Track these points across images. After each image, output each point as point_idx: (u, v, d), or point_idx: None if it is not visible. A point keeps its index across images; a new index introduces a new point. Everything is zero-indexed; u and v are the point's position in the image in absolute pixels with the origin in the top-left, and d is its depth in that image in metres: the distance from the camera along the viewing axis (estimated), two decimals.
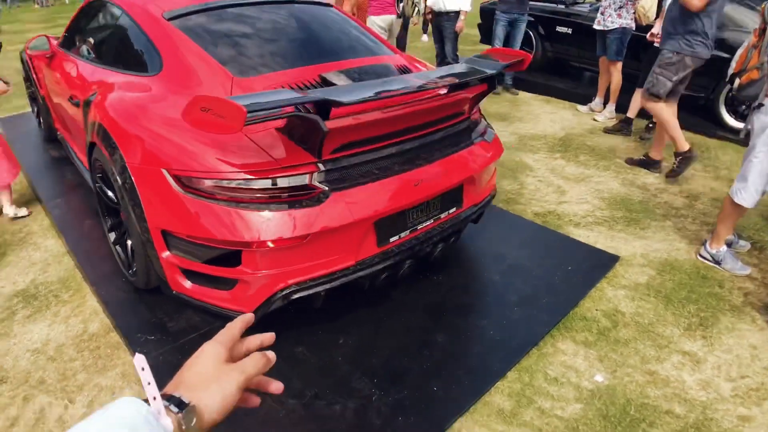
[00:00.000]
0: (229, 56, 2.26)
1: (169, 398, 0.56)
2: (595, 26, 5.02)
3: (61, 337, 2.35)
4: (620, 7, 4.80)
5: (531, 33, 6.29)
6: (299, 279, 1.96)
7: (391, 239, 2.15)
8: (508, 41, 5.70)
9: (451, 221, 2.40)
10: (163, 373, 2.02)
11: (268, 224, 1.83)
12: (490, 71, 2.19)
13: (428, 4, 5.77)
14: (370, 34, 2.86)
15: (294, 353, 2.21)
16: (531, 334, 2.36)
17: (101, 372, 2.16)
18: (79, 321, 2.44)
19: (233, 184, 1.86)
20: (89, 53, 2.97)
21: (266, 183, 1.86)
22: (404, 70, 2.52)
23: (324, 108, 1.73)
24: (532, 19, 6.05)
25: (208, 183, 1.88)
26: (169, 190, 1.94)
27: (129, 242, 2.41)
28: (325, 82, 2.18)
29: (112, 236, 2.66)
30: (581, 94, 5.70)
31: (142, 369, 0.56)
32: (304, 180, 1.90)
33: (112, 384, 2.10)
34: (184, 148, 1.93)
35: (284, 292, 1.96)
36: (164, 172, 1.95)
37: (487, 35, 6.43)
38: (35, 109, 4.67)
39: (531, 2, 5.77)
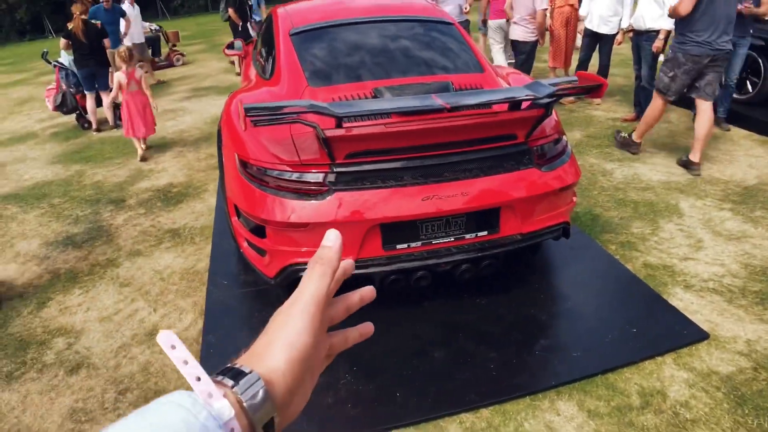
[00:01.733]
0: (315, 68, 2.73)
1: (223, 372, 0.43)
2: None
3: (177, 267, 3.21)
4: None
5: (760, 60, 5.18)
6: (303, 260, 2.34)
7: (399, 246, 2.34)
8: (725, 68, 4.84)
9: (480, 245, 2.44)
10: (214, 311, 2.68)
11: (279, 208, 2.25)
12: (533, 96, 2.17)
13: (630, 21, 5.33)
14: (472, 52, 2.99)
15: None
16: (533, 380, 2.25)
17: (183, 297, 2.91)
18: (194, 259, 3.28)
19: (266, 172, 2.33)
20: (255, 56, 3.84)
21: (288, 175, 2.27)
22: (467, 89, 2.62)
23: (330, 117, 2.06)
24: (763, 43, 4.99)
25: (254, 168, 2.40)
26: (235, 170, 2.53)
27: None
28: (375, 95, 2.48)
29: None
30: None
31: (173, 347, 0.42)
32: (318, 178, 2.25)
33: (184, 307, 2.82)
34: (250, 140, 2.48)
35: (293, 268, 2.35)
36: (236, 155, 2.54)
37: None
38: None
39: (763, 24, 4.78)
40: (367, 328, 0.60)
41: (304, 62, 2.77)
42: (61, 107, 5.98)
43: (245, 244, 2.65)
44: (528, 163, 2.45)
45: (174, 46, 10.78)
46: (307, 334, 0.45)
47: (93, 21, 5.89)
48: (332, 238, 0.52)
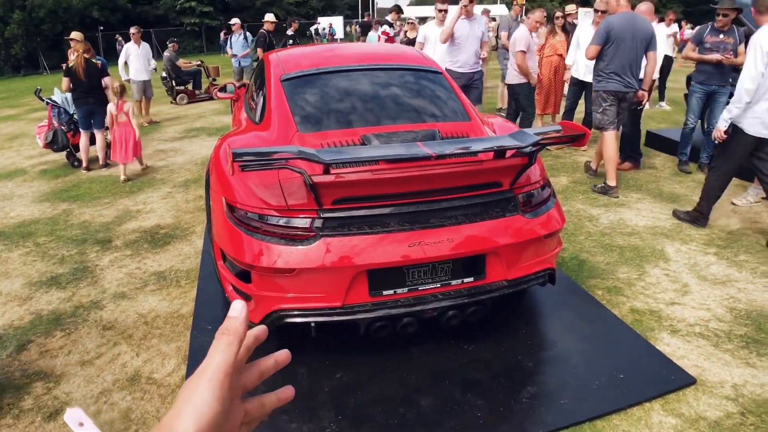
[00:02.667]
0: (304, 114, 2.82)
1: None
2: None
3: (162, 311, 3.20)
4: None
5: None
6: (290, 306, 2.36)
7: (385, 292, 2.37)
8: (708, 115, 5.07)
9: (467, 290, 2.47)
10: (199, 356, 2.66)
11: (267, 254, 2.28)
12: (517, 145, 2.26)
13: None
14: (459, 101, 3.10)
15: (295, 372, 2.58)
16: (520, 428, 2.24)
17: (167, 341, 2.90)
18: (179, 303, 3.28)
19: (253, 217, 2.38)
20: (246, 99, 3.95)
21: (275, 220, 2.33)
22: (453, 137, 2.71)
23: (317, 164, 2.12)
24: None
25: (241, 212, 2.44)
26: (223, 214, 2.57)
27: None
28: (363, 142, 2.56)
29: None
30: None
31: (80, 425, 0.46)
32: (304, 223, 2.30)
33: (167, 352, 2.80)
34: (238, 184, 2.54)
35: (278, 314, 2.37)
36: (223, 199, 2.59)
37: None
38: None
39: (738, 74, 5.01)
40: (286, 392, 0.62)
41: (294, 108, 2.86)
42: (52, 144, 6.05)
43: (230, 289, 2.67)
44: (513, 210, 2.52)
45: (214, 80, 11.80)
46: (216, 403, 0.46)
47: (94, 60, 6.02)
48: (238, 309, 0.54)
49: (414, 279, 2.39)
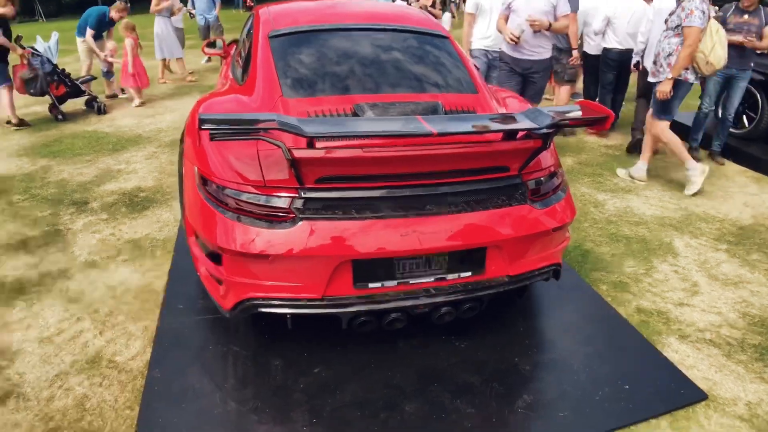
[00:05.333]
0: (291, 77, 2.45)
1: None
2: None
3: (132, 284, 2.90)
4: None
5: (758, 94, 5.00)
6: (264, 294, 2.05)
7: (371, 285, 2.06)
8: (724, 101, 4.68)
9: (463, 286, 2.17)
10: (165, 340, 2.37)
11: (238, 235, 1.96)
12: (531, 126, 1.92)
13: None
14: (466, 70, 2.73)
15: (269, 364, 2.30)
16: None
17: (134, 320, 2.60)
18: (152, 276, 2.98)
19: (225, 192, 2.04)
20: (235, 58, 3.54)
21: (249, 198, 1.99)
22: (459, 111, 2.36)
23: (302, 136, 1.77)
24: (762, 77, 4.82)
25: (213, 186, 2.10)
26: (194, 186, 2.23)
27: None
28: (355, 113, 2.20)
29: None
30: None
31: None
32: (283, 203, 1.97)
33: (133, 332, 2.51)
34: (209, 152, 2.19)
35: (251, 302, 2.07)
36: (195, 169, 2.25)
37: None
38: None
39: (760, 59, 4.63)
40: None
41: (281, 69, 2.49)
42: (29, 86, 5.49)
43: (202, 270, 2.36)
44: (521, 198, 2.19)
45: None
46: None
47: None
48: None
49: (405, 271, 2.08)
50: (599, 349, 2.49)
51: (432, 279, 2.13)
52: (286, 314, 2.09)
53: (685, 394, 2.25)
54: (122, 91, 7.09)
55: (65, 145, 5.07)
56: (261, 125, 1.74)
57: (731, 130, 5.03)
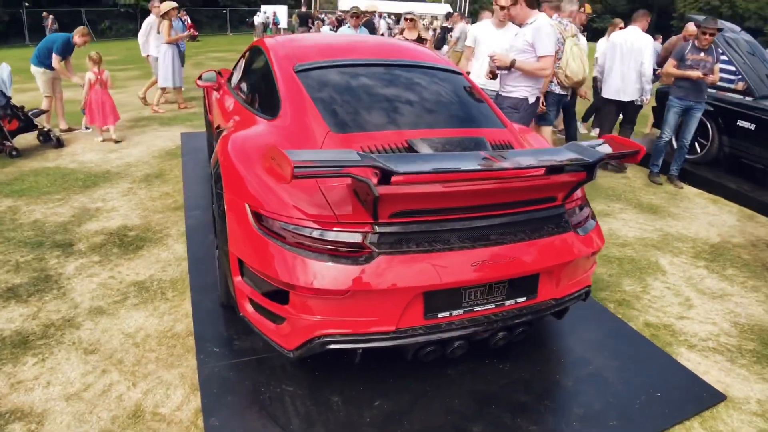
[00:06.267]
0: (334, 112, 2.51)
1: None
2: None
3: (151, 329, 2.75)
4: None
5: (708, 124, 5.68)
6: (335, 331, 2.05)
7: (440, 315, 2.13)
8: (680, 130, 5.26)
9: (518, 311, 2.29)
10: (211, 385, 2.29)
11: (313, 272, 1.97)
12: (586, 160, 2.10)
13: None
14: (488, 105, 2.91)
15: (329, 401, 2.29)
16: None
17: (167, 367, 2.48)
18: (170, 319, 2.84)
19: (295, 230, 2.05)
20: (240, 91, 3.53)
21: (322, 234, 2.01)
22: (501, 146, 2.52)
23: (385, 174, 1.84)
24: (711, 108, 5.49)
25: (276, 224, 2.10)
26: (247, 224, 2.21)
27: None
28: (410, 149, 2.30)
29: (217, 253, 3.06)
30: (757, 200, 4.94)
31: None
32: (357, 238, 2.01)
33: (170, 380, 2.39)
34: (266, 190, 2.19)
35: (320, 341, 2.06)
36: (246, 206, 2.23)
37: (660, 120, 5.96)
38: (207, 130, 5.60)
39: (711, 90, 5.27)
40: None
41: (320, 104, 2.54)
42: None
43: (250, 308, 2.32)
44: (566, 226, 2.37)
45: None
46: None
47: None
48: None
49: (470, 300, 2.17)
50: (626, 362, 2.70)
51: (493, 306, 2.23)
52: (356, 350, 2.10)
53: (707, 397, 2.51)
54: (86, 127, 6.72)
55: (29, 183, 4.70)
56: (352, 163, 1.78)
57: (688, 156, 5.62)
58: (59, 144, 5.83)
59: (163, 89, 7.91)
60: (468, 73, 5.05)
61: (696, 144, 5.86)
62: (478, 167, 1.93)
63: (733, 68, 5.77)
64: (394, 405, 2.29)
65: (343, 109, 2.55)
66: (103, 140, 6.16)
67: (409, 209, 2.04)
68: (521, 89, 4.16)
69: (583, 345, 2.82)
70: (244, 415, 2.18)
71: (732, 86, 5.82)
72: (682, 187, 5.49)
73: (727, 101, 5.60)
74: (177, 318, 2.86)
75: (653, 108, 6.55)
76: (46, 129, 5.87)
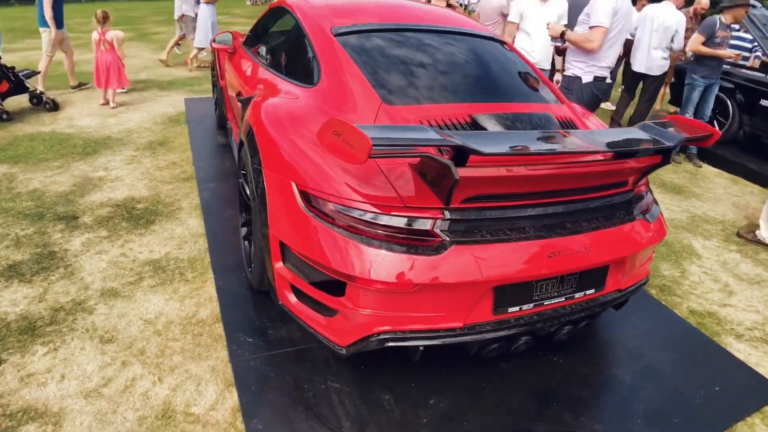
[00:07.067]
0: (384, 81, 2.18)
1: None
2: None
3: (173, 315, 2.45)
4: None
5: (729, 102, 5.44)
6: (398, 327, 1.79)
7: (510, 309, 1.87)
8: (698, 106, 5.01)
9: (586, 303, 2.05)
10: (248, 381, 2.02)
11: (379, 263, 1.68)
12: (667, 143, 1.82)
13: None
14: (539, 77, 2.61)
15: (380, 399, 2.03)
16: None
17: (195, 359, 2.19)
18: (193, 303, 2.54)
19: (354, 214, 1.75)
20: (264, 55, 3.14)
21: (387, 220, 1.72)
22: (567, 124, 2.23)
23: (461, 154, 1.54)
24: (732, 86, 5.24)
25: (330, 206, 1.79)
26: (294, 205, 1.90)
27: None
28: (475, 125, 1.99)
29: (243, 231, 2.74)
30: None
31: None
32: (426, 225, 1.72)
33: (200, 374, 2.11)
34: (317, 167, 1.87)
35: (379, 337, 1.79)
36: (293, 185, 1.91)
37: (678, 97, 5.68)
38: (215, 96, 5.17)
39: (734, 69, 5.03)
40: None
41: (366, 71, 2.21)
42: None
43: (293, 298, 2.03)
44: (637, 212, 2.12)
45: None
46: None
47: None
48: None
49: (541, 293, 1.92)
50: (680, 355, 2.50)
51: (563, 299, 1.98)
52: (418, 347, 1.84)
53: (765, 392, 2.32)
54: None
55: (24, 149, 4.25)
56: (435, 143, 1.48)
57: None
58: (54, 107, 5.34)
59: (200, 49, 7.60)
60: None
61: (715, 122, 5.63)
62: (571, 148, 1.65)
63: (746, 44, 5.52)
64: (449, 403, 2.05)
65: (394, 79, 2.21)
66: (103, 103, 5.66)
67: (482, 193, 1.76)
68: (574, 66, 3.75)
69: (634, 335, 2.60)
70: (289, 416, 1.91)
71: (747, 63, 5.59)
72: (700, 166, 5.28)
73: (750, 79, 5.35)
74: (200, 302, 2.55)
75: (671, 85, 6.27)
76: (38, 91, 5.37)
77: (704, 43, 4.74)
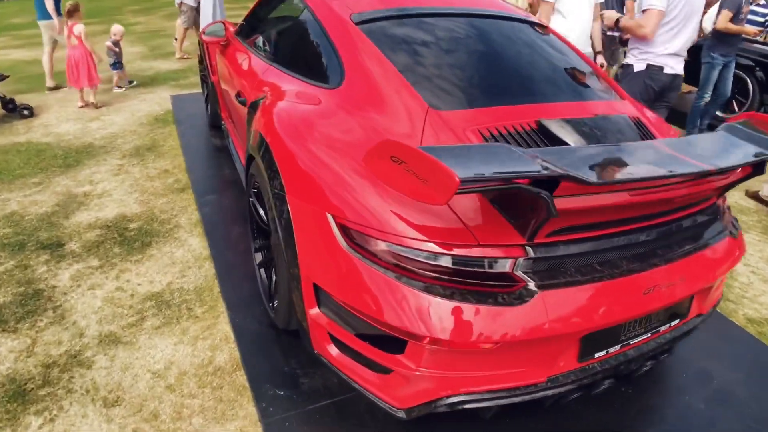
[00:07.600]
0: (425, 79, 1.81)
1: None
2: None
3: (185, 363, 2.09)
4: None
5: (749, 80, 5.15)
6: (472, 389, 1.46)
7: (597, 354, 1.57)
8: (716, 86, 4.72)
9: (670, 335, 1.75)
10: None
11: (449, 319, 1.34)
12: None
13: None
14: (591, 66, 2.26)
15: None
16: None
17: (219, 421, 1.84)
18: (207, 346, 2.18)
19: (413, 255, 1.40)
20: (264, 47, 2.73)
21: (456, 262, 1.38)
22: (639, 125, 1.90)
23: (553, 181, 1.20)
24: (752, 63, 4.96)
25: (381, 245, 1.44)
26: (332, 241, 1.54)
27: (275, 276, 2.08)
28: (544, 132, 1.64)
29: (257, 257, 2.38)
30: None
31: None
32: (505, 266, 1.38)
33: None
34: (361, 195, 1.52)
35: (450, 400, 1.47)
36: (329, 217, 1.56)
37: (693, 76, 5.31)
38: (205, 93, 4.70)
39: (749, 44, 4.74)
40: None
41: (404, 69, 1.84)
42: None
43: (333, 350, 1.69)
44: (723, 228, 1.80)
45: None
46: None
47: None
48: None
49: (628, 333, 1.61)
50: (750, 373, 2.23)
51: (649, 334, 1.67)
52: (494, 407, 1.52)
53: None
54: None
55: None
56: (537, 176, 1.13)
57: (720, 114, 5.12)
58: (29, 113, 4.83)
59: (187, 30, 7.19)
60: None
61: (733, 102, 5.36)
62: (685, 169, 1.32)
63: (759, 18, 5.22)
64: None
65: (435, 76, 1.85)
66: (81, 106, 5.13)
67: (573, 225, 1.43)
68: (629, 54, 3.38)
69: (698, 352, 2.32)
70: None
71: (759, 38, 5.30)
72: None
73: None
74: (215, 344, 2.19)
75: (685, 63, 5.95)
76: (8, 98, 4.84)
77: (733, 21, 4.41)
